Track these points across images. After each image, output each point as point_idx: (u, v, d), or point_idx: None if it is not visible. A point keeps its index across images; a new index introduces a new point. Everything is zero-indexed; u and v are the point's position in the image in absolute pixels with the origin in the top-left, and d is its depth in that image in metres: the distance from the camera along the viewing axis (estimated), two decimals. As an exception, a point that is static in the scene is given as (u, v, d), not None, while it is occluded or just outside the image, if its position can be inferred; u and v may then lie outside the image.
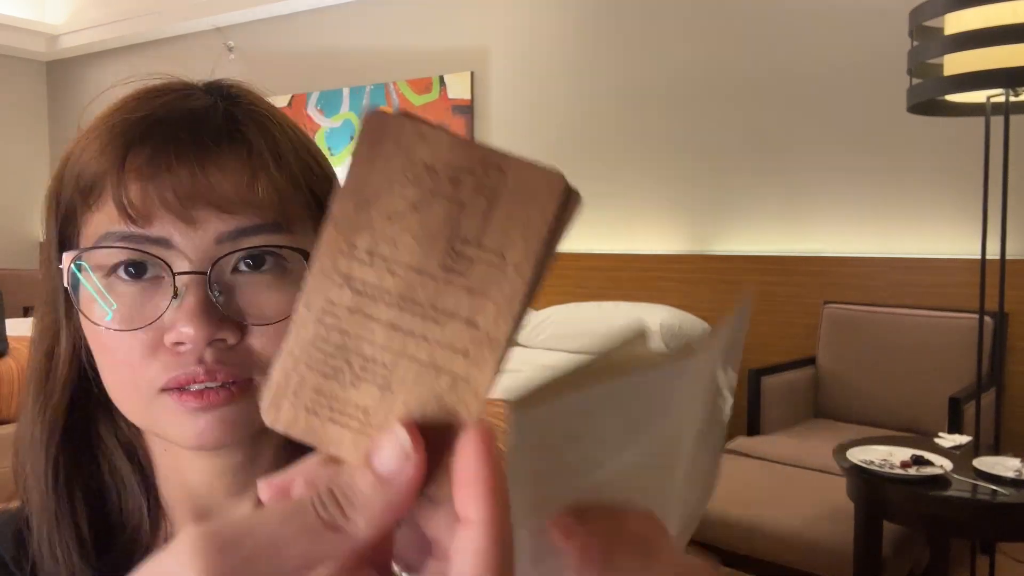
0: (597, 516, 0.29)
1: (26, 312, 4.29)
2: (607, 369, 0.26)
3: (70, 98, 6.61)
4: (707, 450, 0.33)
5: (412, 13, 4.67)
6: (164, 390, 0.47)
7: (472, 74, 4.45)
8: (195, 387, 0.47)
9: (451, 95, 4.53)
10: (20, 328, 3.49)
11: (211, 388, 0.47)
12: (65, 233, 0.50)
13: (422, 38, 4.65)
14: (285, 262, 0.49)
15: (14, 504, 0.55)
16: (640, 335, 0.31)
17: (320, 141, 4.94)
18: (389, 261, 0.26)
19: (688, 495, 0.33)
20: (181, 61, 5.61)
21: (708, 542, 2.31)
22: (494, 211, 0.25)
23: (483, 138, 4.43)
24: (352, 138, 4.99)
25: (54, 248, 0.50)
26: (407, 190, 0.26)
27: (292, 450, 0.59)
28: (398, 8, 4.72)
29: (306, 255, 0.49)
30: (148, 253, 0.46)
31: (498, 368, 0.25)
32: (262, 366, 0.48)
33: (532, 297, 0.25)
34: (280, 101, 5.10)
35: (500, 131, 4.39)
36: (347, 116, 4.93)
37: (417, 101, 4.67)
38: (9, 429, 3.42)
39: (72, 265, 0.48)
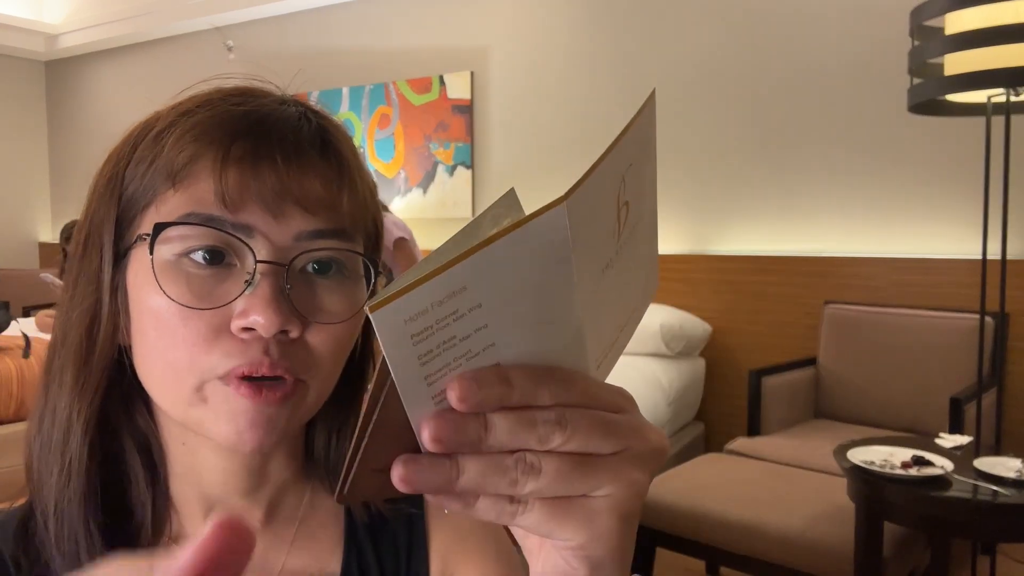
0: (490, 379, 0.29)
1: (26, 312, 4.28)
2: (475, 241, 0.27)
3: (69, 98, 6.61)
4: (631, 259, 0.35)
5: (412, 13, 4.67)
6: (222, 378, 0.47)
7: (472, 74, 4.45)
8: (254, 378, 0.47)
9: (451, 95, 4.52)
10: (20, 328, 3.48)
11: (271, 386, 0.48)
12: (129, 213, 0.51)
13: (422, 38, 4.64)
14: (346, 269, 0.52)
15: (20, 501, 0.55)
16: (508, 196, 0.34)
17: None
18: None
19: (607, 321, 0.34)
20: (181, 61, 5.61)
21: (708, 542, 2.31)
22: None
23: (483, 138, 4.44)
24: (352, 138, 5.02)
25: (110, 225, 0.51)
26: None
27: (298, 459, 0.59)
28: (398, 8, 4.72)
29: (375, 266, 0.53)
30: (234, 236, 0.48)
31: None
32: (312, 365, 0.50)
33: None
34: (280, 101, 5.09)
35: (500, 131, 4.39)
36: (347, 116, 4.92)
37: (417, 101, 4.66)
38: (8, 429, 3.42)
39: (141, 238, 0.49)
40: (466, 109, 4.46)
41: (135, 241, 0.50)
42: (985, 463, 1.98)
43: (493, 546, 0.61)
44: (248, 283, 0.48)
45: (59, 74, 6.68)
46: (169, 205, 0.49)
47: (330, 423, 0.60)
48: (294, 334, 0.48)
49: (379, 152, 4.82)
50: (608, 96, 4.01)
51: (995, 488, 1.88)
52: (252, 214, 0.48)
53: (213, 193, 0.48)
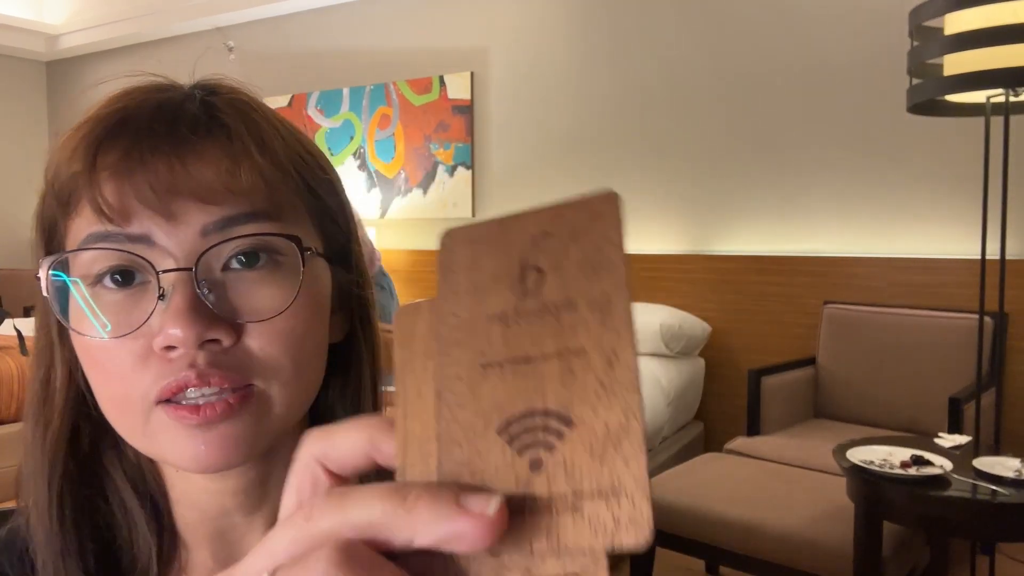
0: None
1: (26, 312, 4.28)
2: None
3: (70, 98, 6.61)
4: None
5: (412, 13, 4.67)
6: (159, 403, 0.44)
7: (472, 74, 4.45)
8: (190, 396, 0.43)
9: (451, 95, 4.52)
10: (21, 327, 3.49)
11: (208, 401, 0.43)
12: (50, 249, 0.48)
13: (422, 38, 4.65)
14: (279, 256, 0.46)
15: (13, 507, 0.54)
16: None
17: (320, 141, 4.94)
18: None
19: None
20: (181, 61, 5.60)
21: (708, 542, 2.31)
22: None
23: (483, 138, 4.44)
24: (352, 138, 4.97)
25: (44, 267, 0.47)
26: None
27: None
28: (398, 8, 4.72)
29: (298, 242, 0.46)
30: (129, 252, 0.43)
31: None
32: (261, 370, 0.45)
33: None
34: (280, 101, 5.10)
35: (500, 131, 4.39)
36: (347, 116, 4.93)
37: (417, 101, 4.66)
38: (8, 429, 3.42)
39: (52, 275, 0.46)
40: (466, 109, 4.47)
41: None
42: (984, 463, 1.98)
43: None
44: (160, 298, 0.43)
45: (60, 74, 6.68)
46: (71, 235, 0.46)
47: (333, 419, 0.56)
48: (226, 342, 0.44)
49: (379, 152, 4.83)
50: (608, 96, 4.01)
51: (994, 488, 1.88)
52: (144, 222, 0.43)
53: (95, 210, 0.43)
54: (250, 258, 0.45)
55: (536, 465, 0.21)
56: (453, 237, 0.24)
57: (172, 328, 0.42)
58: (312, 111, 5.04)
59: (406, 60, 4.69)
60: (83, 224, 0.45)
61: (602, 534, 0.21)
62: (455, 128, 4.52)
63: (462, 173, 4.50)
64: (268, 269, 0.46)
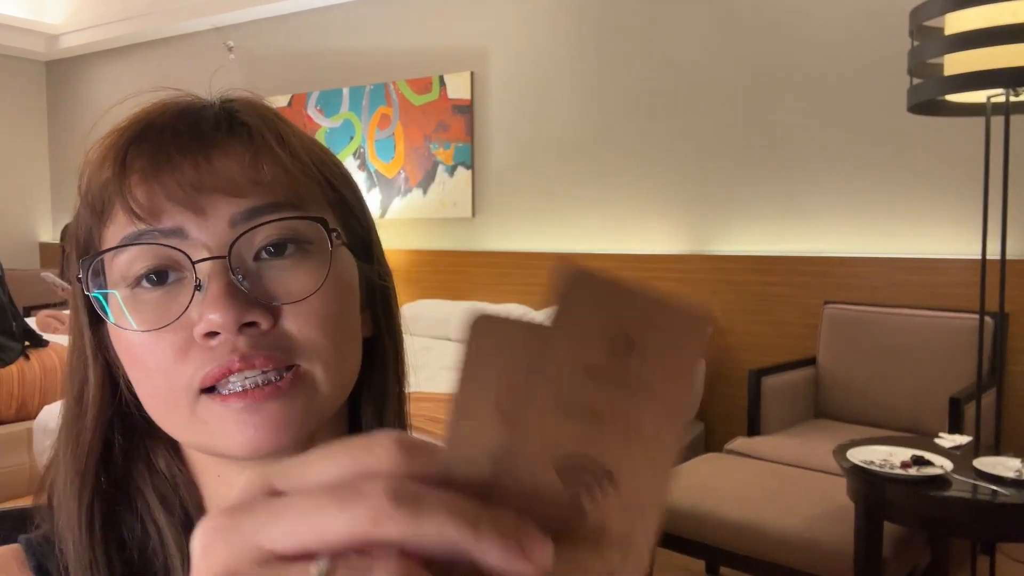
0: None
1: (27, 312, 4.28)
2: None
3: (70, 98, 6.61)
4: None
5: (412, 13, 4.67)
6: (204, 391, 0.45)
7: (472, 74, 4.45)
8: (234, 382, 0.44)
9: (451, 95, 4.52)
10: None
11: (255, 384, 0.45)
12: (90, 263, 0.49)
13: (422, 38, 4.65)
14: (307, 244, 0.48)
15: (24, 505, 0.54)
16: None
17: (320, 141, 4.93)
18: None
19: None
20: (181, 61, 5.61)
21: (708, 542, 2.31)
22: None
23: (483, 138, 4.44)
24: (352, 138, 4.97)
25: (81, 285, 0.48)
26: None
27: None
28: (398, 8, 4.72)
29: (324, 223, 0.48)
30: (164, 245, 0.45)
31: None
32: (303, 351, 0.46)
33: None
34: (280, 101, 5.10)
35: (500, 131, 4.39)
36: (347, 116, 4.93)
37: (417, 101, 4.66)
38: (8, 429, 3.43)
39: (92, 283, 0.47)
40: (466, 109, 4.47)
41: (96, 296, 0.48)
42: (984, 463, 1.98)
43: None
44: (197, 288, 0.45)
45: (60, 74, 6.68)
46: (106, 242, 0.48)
47: (372, 402, 0.55)
48: (264, 325, 0.45)
49: (379, 152, 4.83)
50: (608, 96, 4.01)
51: (994, 488, 1.88)
52: (175, 217, 0.46)
53: (127, 212, 0.46)
54: (279, 248, 0.47)
55: (578, 505, 0.25)
56: (581, 278, 0.25)
57: (211, 314, 0.44)
58: (312, 111, 5.04)
59: (406, 60, 4.69)
60: (117, 229, 0.47)
61: (609, 570, 0.24)
62: (455, 128, 4.52)
63: (462, 173, 4.50)
64: (297, 257, 0.48)
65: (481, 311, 0.25)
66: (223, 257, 0.45)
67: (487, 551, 0.23)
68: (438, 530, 0.22)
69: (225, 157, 0.46)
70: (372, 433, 0.25)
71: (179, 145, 0.46)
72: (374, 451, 0.24)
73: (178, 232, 0.46)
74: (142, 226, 0.45)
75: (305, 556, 0.23)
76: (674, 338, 0.25)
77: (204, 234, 0.46)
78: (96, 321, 0.50)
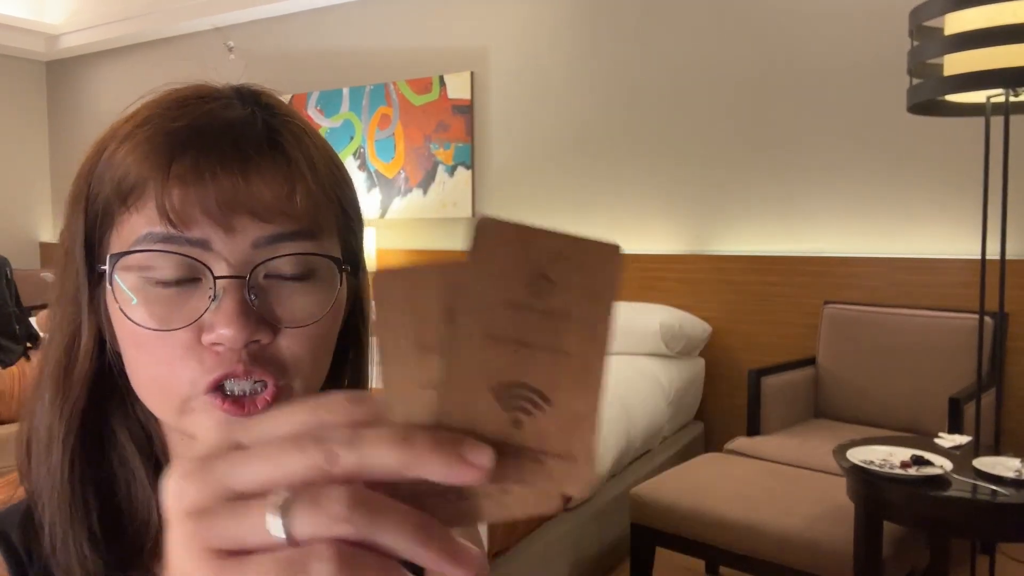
0: None
1: (28, 312, 4.27)
2: None
3: (70, 98, 6.61)
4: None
5: (412, 13, 4.67)
6: (205, 391, 0.48)
7: (472, 74, 4.45)
8: (230, 387, 0.48)
9: (451, 95, 4.52)
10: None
11: (243, 392, 0.48)
12: (96, 232, 0.52)
13: (422, 38, 4.65)
14: (316, 268, 0.52)
15: (18, 494, 0.56)
16: None
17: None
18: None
19: None
20: (181, 61, 5.61)
21: (708, 542, 2.31)
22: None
23: (483, 138, 4.44)
24: (352, 138, 4.97)
25: (80, 244, 0.51)
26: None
27: None
28: (398, 8, 4.72)
29: (339, 263, 0.52)
30: (188, 256, 0.48)
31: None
32: (289, 366, 0.50)
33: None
34: (280, 101, 5.09)
35: (500, 131, 4.39)
36: (347, 116, 4.93)
37: (417, 101, 4.66)
38: (8, 429, 3.43)
39: (111, 266, 0.50)
40: (466, 109, 4.47)
41: (102, 271, 0.51)
42: (984, 463, 1.99)
43: None
44: (212, 298, 0.48)
45: (60, 74, 6.68)
46: (126, 228, 0.49)
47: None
48: (265, 341, 0.49)
49: (379, 152, 4.83)
50: (608, 96, 4.02)
51: (994, 488, 1.88)
52: (204, 229, 0.48)
53: (160, 212, 0.48)
54: (291, 270, 0.51)
55: (517, 423, 0.27)
56: (488, 225, 0.27)
57: (224, 328, 0.47)
58: (312, 111, 5.04)
59: (406, 60, 4.69)
60: (142, 221, 0.49)
61: (555, 482, 0.27)
62: (455, 128, 4.52)
63: (462, 173, 4.51)
64: (307, 284, 0.51)
65: (383, 268, 0.28)
66: (243, 277, 0.48)
67: (427, 464, 0.26)
68: (382, 458, 0.26)
69: (261, 180, 0.49)
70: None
71: (221, 160, 0.48)
72: (327, 406, 0.28)
73: (204, 243, 0.48)
74: (171, 230, 0.48)
75: (268, 493, 0.27)
76: (588, 267, 0.27)
77: (227, 249, 0.48)
78: (95, 281, 0.52)
